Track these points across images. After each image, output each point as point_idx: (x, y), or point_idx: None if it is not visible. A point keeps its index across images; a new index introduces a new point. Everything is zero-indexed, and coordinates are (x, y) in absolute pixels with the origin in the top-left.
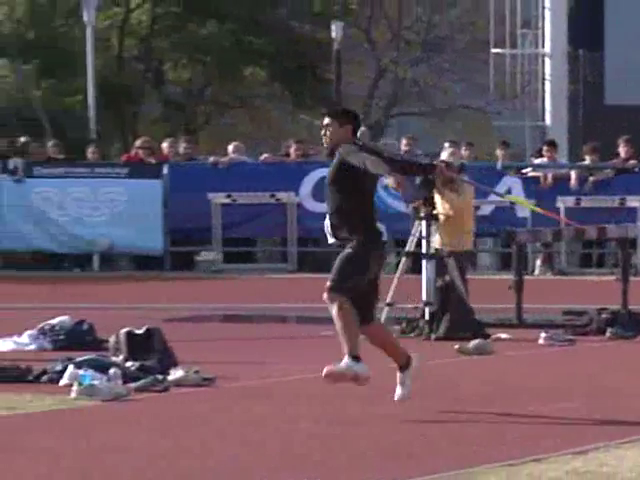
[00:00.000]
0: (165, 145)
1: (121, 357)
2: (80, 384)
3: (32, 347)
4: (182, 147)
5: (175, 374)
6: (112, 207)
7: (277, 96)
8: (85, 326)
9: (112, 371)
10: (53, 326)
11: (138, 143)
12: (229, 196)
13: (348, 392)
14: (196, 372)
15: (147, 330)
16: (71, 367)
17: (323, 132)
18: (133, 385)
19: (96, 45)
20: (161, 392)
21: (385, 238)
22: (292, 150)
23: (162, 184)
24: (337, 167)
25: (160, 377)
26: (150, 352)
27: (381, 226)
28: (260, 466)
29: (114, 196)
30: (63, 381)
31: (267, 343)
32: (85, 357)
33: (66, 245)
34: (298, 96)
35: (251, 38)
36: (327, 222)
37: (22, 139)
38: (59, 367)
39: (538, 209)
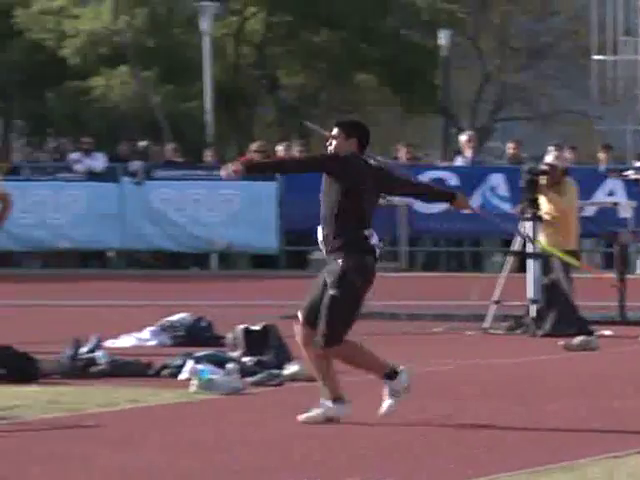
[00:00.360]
0: (279, 148)
1: (238, 352)
2: (199, 378)
3: (153, 343)
4: (296, 150)
5: (290, 369)
6: (229, 208)
7: (387, 101)
8: (204, 323)
9: (230, 366)
10: (173, 323)
11: (254, 147)
12: None
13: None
14: None
15: (263, 326)
16: (190, 362)
17: (329, 142)
18: (250, 379)
19: (213, 52)
20: (276, 386)
21: (377, 253)
22: (402, 153)
23: (277, 186)
24: (325, 178)
25: (276, 372)
26: (266, 348)
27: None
28: (365, 453)
29: (231, 197)
30: (183, 376)
31: (378, 340)
32: (204, 352)
33: (185, 245)
34: (407, 101)
35: (362, 45)
36: (319, 234)
37: (142, 143)
38: (179, 362)
39: (573, 261)
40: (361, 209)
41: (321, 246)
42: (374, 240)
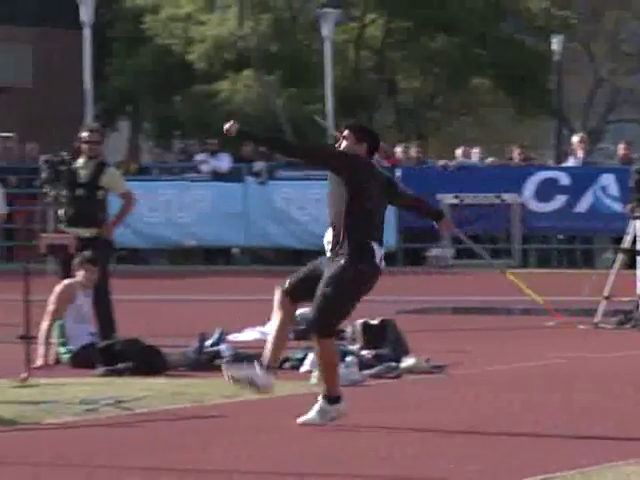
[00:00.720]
0: (398, 149)
1: (357, 346)
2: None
3: None
4: (414, 151)
5: (407, 362)
6: None
7: (501, 104)
8: None
9: (349, 359)
10: (294, 317)
11: None
12: (457, 197)
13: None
14: (427, 360)
15: (381, 321)
16: (311, 355)
17: (338, 143)
18: (368, 372)
19: (334, 57)
20: (394, 379)
21: (378, 259)
22: (515, 154)
23: None
24: (331, 178)
25: (393, 365)
26: (384, 341)
27: (377, 247)
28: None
29: None
30: (303, 368)
31: (493, 334)
32: None
33: (306, 242)
34: (520, 104)
35: (478, 50)
36: (328, 236)
37: None
38: (300, 355)
39: (536, 297)
40: (368, 214)
41: (327, 247)
42: (378, 256)
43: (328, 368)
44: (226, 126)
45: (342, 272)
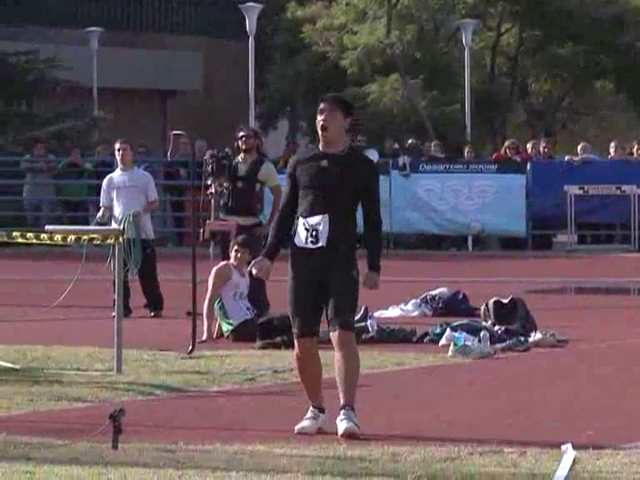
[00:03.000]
0: (529, 146)
1: (490, 322)
2: (455, 344)
3: (415, 313)
4: (542, 147)
5: (535, 336)
6: (483, 197)
7: (622, 105)
8: (460, 296)
9: (482, 334)
10: (434, 296)
11: (507, 144)
12: (582, 188)
13: None
14: (552, 335)
15: (512, 300)
16: (448, 330)
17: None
18: (499, 346)
19: (472, 63)
20: (522, 352)
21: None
22: (635, 149)
23: (525, 178)
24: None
25: (522, 339)
26: (514, 318)
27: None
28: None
29: (485, 188)
30: (442, 342)
31: (613, 312)
32: (460, 322)
33: (445, 228)
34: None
35: (601, 56)
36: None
37: (410, 141)
38: (438, 330)
39: None
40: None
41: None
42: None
43: (357, 370)
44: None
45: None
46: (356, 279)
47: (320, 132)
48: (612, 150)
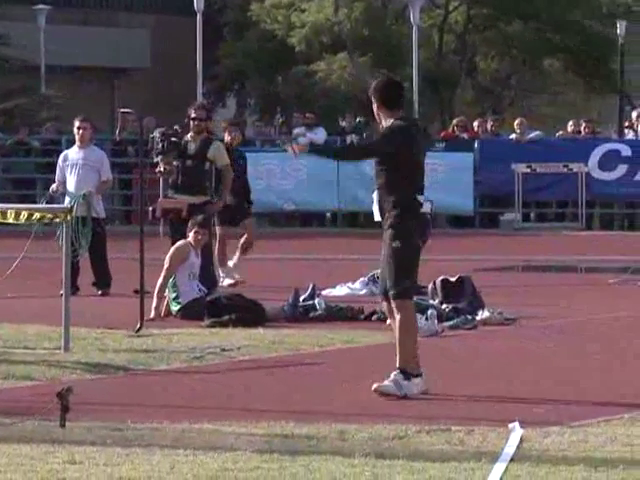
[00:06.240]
0: (475, 124)
1: (437, 300)
2: None
3: (363, 292)
4: (490, 125)
5: (482, 315)
6: (433, 176)
7: (571, 83)
8: None
9: (430, 312)
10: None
11: (455, 121)
12: (529, 166)
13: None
14: (499, 313)
15: (459, 278)
16: None
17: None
18: (447, 324)
19: (420, 41)
20: (470, 330)
21: (428, 209)
22: (582, 128)
23: (473, 156)
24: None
25: (469, 317)
26: (461, 296)
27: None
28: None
29: (434, 166)
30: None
31: (559, 290)
32: None
33: None
34: (588, 83)
35: (551, 35)
36: (375, 200)
37: (358, 119)
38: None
39: None
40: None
41: (377, 215)
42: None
43: (410, 336)
44: (294, 150)
45: (399, 236)
46: (400, 249)
47: None
48: (570, 129)
